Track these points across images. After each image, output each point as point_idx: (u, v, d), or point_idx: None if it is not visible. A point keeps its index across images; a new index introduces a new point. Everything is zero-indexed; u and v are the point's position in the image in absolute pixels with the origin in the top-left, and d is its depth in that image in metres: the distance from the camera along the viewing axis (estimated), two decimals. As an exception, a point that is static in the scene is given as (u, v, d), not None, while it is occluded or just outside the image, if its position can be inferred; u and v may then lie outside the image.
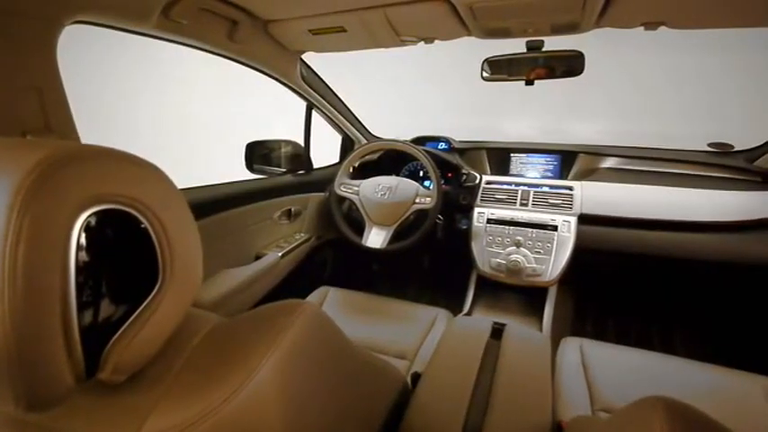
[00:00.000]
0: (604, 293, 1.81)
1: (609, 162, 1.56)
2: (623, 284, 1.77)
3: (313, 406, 0.46)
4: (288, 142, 1.69)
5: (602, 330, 1.78)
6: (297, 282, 1.56)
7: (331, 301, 1.37)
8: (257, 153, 1.61)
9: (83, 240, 0.32)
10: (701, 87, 2.05)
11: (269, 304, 0.53)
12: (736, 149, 1.52)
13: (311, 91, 1.52)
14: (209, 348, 0.45)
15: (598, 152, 1.58)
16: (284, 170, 1.65)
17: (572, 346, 1.10)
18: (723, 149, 1.55)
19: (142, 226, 0.36)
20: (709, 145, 1.58)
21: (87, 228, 0.32)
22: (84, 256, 0.32)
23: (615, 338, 1.74)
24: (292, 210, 1.58)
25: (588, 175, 1.56)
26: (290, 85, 1.43)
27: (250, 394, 0.38)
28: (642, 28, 0.94)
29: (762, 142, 1.42)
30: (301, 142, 1.67)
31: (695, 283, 1.60)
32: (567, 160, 1.62)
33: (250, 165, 1.57)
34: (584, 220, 1.42)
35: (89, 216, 0.32)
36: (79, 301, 0.32)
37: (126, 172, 0.36)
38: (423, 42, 1.14)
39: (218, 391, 0.38)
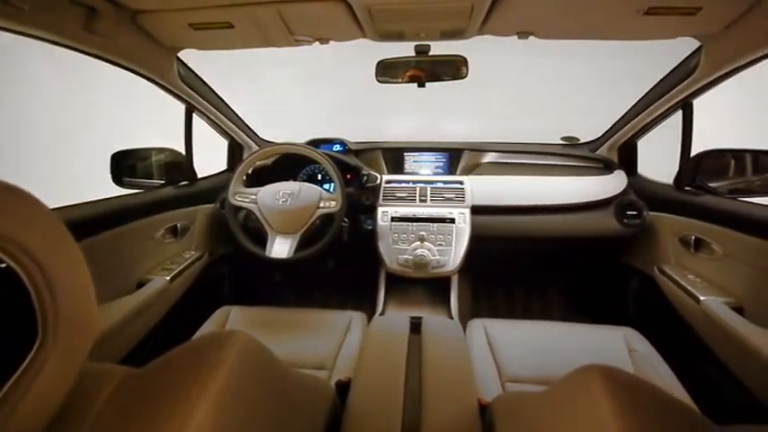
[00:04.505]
0: (493, 274, 2.02)
1: (489, 157, 1.74)
2: (507, 264, 2.00)
3: None
4: (162, 150, 1.51)
5: (495, 306, 1.99)
6: (192, 306, 1.39)
7: (234, 322, 1.26)
8: (126, 164, 1.40)
9: None
10: (555, 88, 2.45)
11: (191, 341, 0.45)
12: (582, 141, 1.84)
13: (191, 92, 1.36)
14: (118, 409, 0.37)
15: (479, 148, 1.75)
16: (163, 182, 1.46)
17: (477, 328, 1.20)
18: (572, 142, 1.87)
19: (3, 265, 0.29)
20: (562, 138, 1.88)
21: None
22: None
23: (506, 311, 1.98)
24: (178, 226, 1.41)
25: (473, 169, 1.72)
26: (166, 85, 1.26)
27: None
28: (516, 36, 1.08)
29: (599, 135, 1.74)
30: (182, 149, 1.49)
31: (561, 255, 1.89)
32: (454, 157, 1.76)
33: (118, 178, 1.36)
34: (475, 210, 1.56)
35: None
36: None
37: None
38: (318, 43, 1.11)
39: None
